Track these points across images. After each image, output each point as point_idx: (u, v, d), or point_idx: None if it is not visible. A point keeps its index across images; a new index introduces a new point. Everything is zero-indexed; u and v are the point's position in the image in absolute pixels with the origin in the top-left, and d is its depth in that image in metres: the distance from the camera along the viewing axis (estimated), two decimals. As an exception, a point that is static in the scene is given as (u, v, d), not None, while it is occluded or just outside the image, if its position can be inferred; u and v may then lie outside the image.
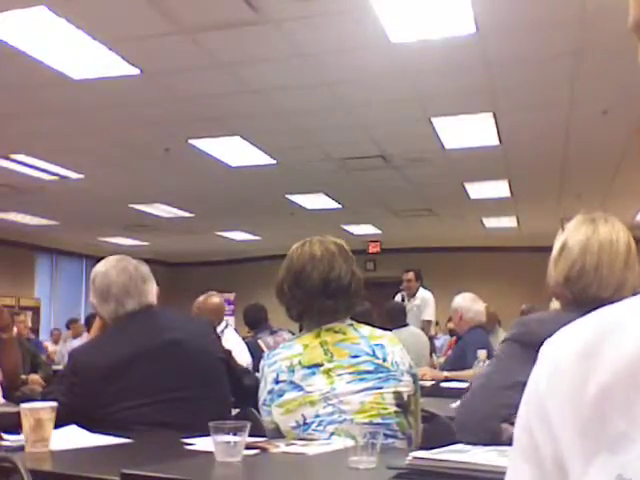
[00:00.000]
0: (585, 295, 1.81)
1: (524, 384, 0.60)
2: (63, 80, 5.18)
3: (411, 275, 7.33)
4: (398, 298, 7.28)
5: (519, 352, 1.80)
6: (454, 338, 6.35)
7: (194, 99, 5.77)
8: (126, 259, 2.53)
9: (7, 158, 7.42)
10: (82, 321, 10.75)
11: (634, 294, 1.92)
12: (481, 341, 4.65)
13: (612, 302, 2.01)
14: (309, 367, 1.99)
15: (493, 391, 1.84)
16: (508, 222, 11.96)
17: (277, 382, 1.99)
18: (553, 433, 0.55)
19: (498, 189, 9.32)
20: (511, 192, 9.52)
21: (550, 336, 0.61)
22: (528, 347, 1.71)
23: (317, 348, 2.02)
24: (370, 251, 13.61)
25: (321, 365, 1.99)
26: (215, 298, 4.98)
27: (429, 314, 7.36)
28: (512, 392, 1.67)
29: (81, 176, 8.30)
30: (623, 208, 10.44)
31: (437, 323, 8.47)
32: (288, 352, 2.04)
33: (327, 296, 2.06)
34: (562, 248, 1.86)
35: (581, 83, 5.43)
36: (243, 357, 4.56)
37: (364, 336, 2.07)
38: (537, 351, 0.61)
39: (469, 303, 5.00)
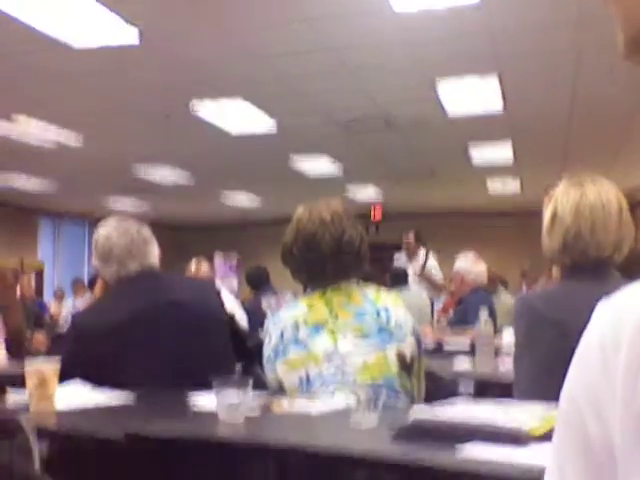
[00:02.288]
0: (585, 258, 1.80)
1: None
2: (63, 48, 5.11)
3: (411, 236, 7.27)
4: (400, 260, 7.22)
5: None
6: (451, 299, 6.34)
7: (195, 65, 5.70)
8: (128, 220, 2.53)
9: (8, 120, 7.38)
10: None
11: (631, 250, 1.89)
12: (483, 303, 4.65)
13: (613, 261, 2.01)
14: (314, 326, 2.00)
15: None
16: (512, 186, 11.91)
17: (282, 339, 2.01)
18: (605, 420, 0.52)
19: (502, 152, 9.26)
20: (515, 156, 9.46)
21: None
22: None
23: (322, 308, 2.03)
24: (372, 215, 13.59)
25: (325, 324, 2.00)
26: (204, 266, 4.98)
27: (439, 276, 7.34)
28: None
29: (81, 138, 8.25)
30: (630, 171, 10.39)
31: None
32: (293, 311, 2.05)
33: (339, 259, 2.08)
34: (553, 217, 1.84)
35: (586, 48, 5.35)
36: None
37: (369, 297, 2.08)
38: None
39: (470, 265, 4.99)
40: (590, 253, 1.79)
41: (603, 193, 1.82)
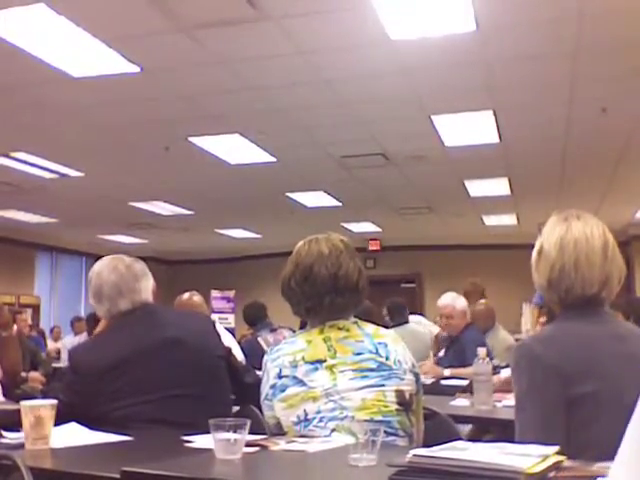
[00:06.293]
0: (571, 295, 1.78)
1: None
2: (63, 78, 5.17)
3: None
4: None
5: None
6: (436, 334, 6.26)
7: (194, 97, 5.76)
8: (119, 258, 2.52)
9: (7, 156, 7.42)
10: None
11: (621, 287, 1.87)
12: (480, 339, 4.66)
13: (601, 298, 1.99)
14: (312, 363, 1.99)
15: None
16: (508, 220, 11.95)
17: (280, 377, 2.00)
18: None
19: (498, 187, 9.32)
20: (511, 190, 9.51)
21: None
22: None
23: (320, 344, 2.03)
24: (370, 249, 13.60)
25: (324, 361, 1.99)
26: (197, 297, 4.93)
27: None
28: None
29: (81, 174, 8.30)
30: (623, 205, 10.44)
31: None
32: (291, 348, 2.05)
33: (336, 292, 2.08)
34: (539, 252, 1.85)
35: (580, 81, 5.42)
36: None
37: (368, 334, 2.08)
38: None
39: (454, 300, 5.04)
40: (576, 291, 1.77)
41: (588, 228, 1.81)
